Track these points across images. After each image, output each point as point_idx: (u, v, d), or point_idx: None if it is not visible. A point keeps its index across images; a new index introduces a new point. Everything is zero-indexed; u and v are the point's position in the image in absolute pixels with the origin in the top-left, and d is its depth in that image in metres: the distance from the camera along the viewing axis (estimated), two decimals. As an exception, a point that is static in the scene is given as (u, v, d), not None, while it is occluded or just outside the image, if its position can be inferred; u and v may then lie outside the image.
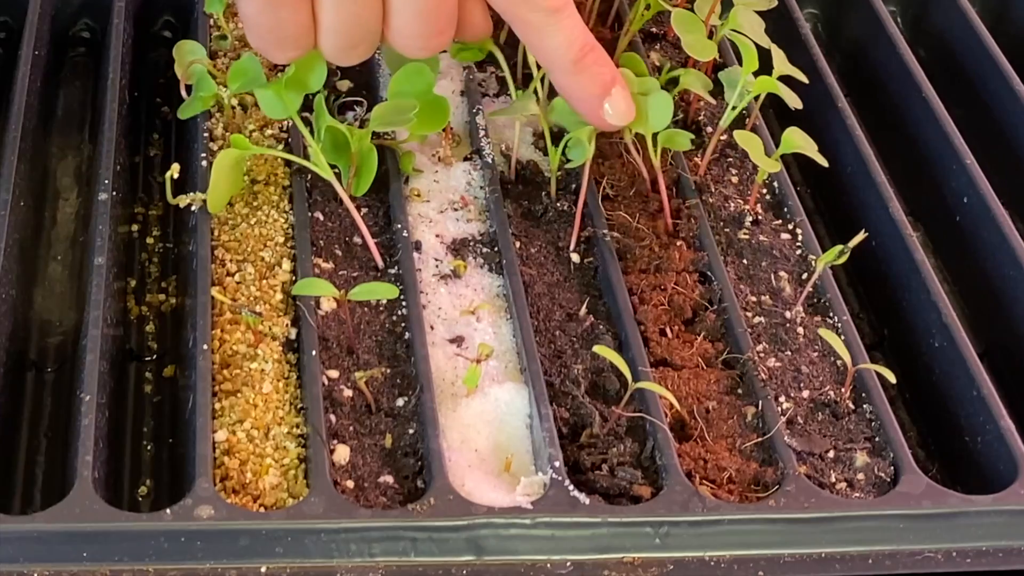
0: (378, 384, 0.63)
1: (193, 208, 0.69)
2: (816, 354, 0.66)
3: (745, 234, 0.72)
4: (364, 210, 0.71)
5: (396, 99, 0.69)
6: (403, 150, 0.74)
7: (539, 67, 0.70)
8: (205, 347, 0.62)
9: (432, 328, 0.66)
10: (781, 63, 0.73)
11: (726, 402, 0.64)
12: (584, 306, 0.68)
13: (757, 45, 0.72)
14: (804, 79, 0.75)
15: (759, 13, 0.76)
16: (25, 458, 0.64)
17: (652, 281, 0.69)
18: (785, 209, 0.74)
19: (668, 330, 0.67)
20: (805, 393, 0.64)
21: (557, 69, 0.67)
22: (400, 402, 0.63)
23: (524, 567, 0.56)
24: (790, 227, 0.73)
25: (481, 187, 0.73)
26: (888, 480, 0.61)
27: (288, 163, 0.73)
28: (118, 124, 0.73)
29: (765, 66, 0.73)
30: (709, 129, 0.77)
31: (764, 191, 0.75)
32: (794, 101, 0.73)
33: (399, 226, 0.69)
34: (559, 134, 0.71)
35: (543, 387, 0.62)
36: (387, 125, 0.69)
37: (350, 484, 0.59)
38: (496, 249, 0.70)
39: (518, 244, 0.70)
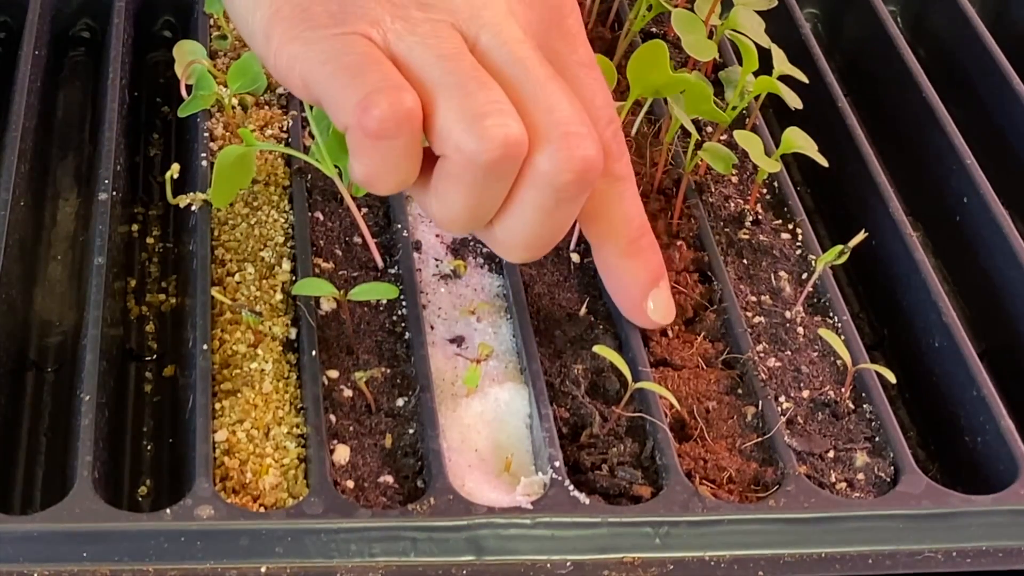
0: (378, 384, 0.63)
1: (193, 208, 0.69)
2: (816, 354, 0.66)
3: (745, 234, 0.72)
4: (364, 210, 0.71)
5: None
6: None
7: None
8: (205, 347, 0.62)
9: (432, 328, 0.66)
10: (781, 63, 0.73)
11: (726, 402, 0.64)
12: (584, 306, 0.67)
13: (757, 45, 0.72)
14: (804, 79, 0.75)
15: (759, 13, 0.76)
16: (25, 458, 0.64)
17: (652, 281, 0.69)
18: (785, 209, 0.74)
19: (668, 330, 0.67)
20: (805, 393, 0.64)
21: (610, 246, 0.61)
22: (400, 402, 0.63)
23: (524, 567, 0.56)
24: (790, 227, 0.73)
25: (481, 187, 0.73)
26: (888, 480, 0.61)
27: (288, 163, 0.73)
28: (118, 124, 0.73)
29: (765, 66, 0.73)
30: (709, 129, 0.77)
31: (764, 191, 0.75)
32: (794, 101, 0.73)
33: (399, 226, 0.69)
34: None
35: (543, 387, 0.62)
36: None
37: (350, 484, 0.59)
38: (496, 249, 0.70)
39: (518, 244, 0.70)
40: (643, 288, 0.62)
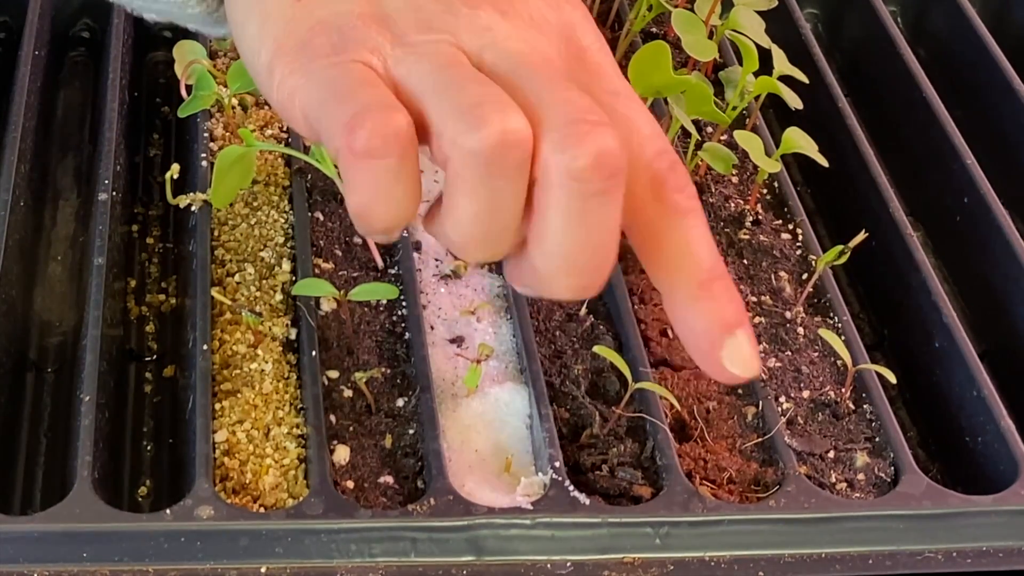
0: (378, 384, 0.63)
1: (193, 208, 0.69)
2: (816, 354, 0.66)
3: (745, 234, 0.72)
4: (364, 210, 0.71)
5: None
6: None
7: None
8: (205, 347, 0.62)
9: (432, 328, 0.66)
10: (781, 63, 0.73)
11: (726, 402, 0.64)
12: (584, 306, 0.67)
13: (757, 45, 0.72)
14: (804, 79, 0.75)
15: (759, 13, 0.76)
16: (25, 458, 0.64)
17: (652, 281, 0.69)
18: (785, 209, 0.74)
19: (668, 330, 0.67)
20: (805, 393, 0.64)
21: (677, 290, 0.53)
22: (400, 402, 0.63)
23: (524, 567, 0.56)
24: (790, 227, 0.73)
25: (481, 187, 0.73)
26: (888, 480, 0.61)
27: (288, 163, 0.73)
28: (118, 124, 0.73)
29: (765, 66, 0.73)
30: (709, 129, 0.77)
31: (764, 191, 0.75)
32: (794, 101, 0.73)
33: (399, 226, 0.69)
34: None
35: (543, 387, 0.62)
36: None
37: (350, 484, 0.59)
38: (496, 249, 0.70)
39: (518, 244, 0.70)
40: (716, 337, 0.52)
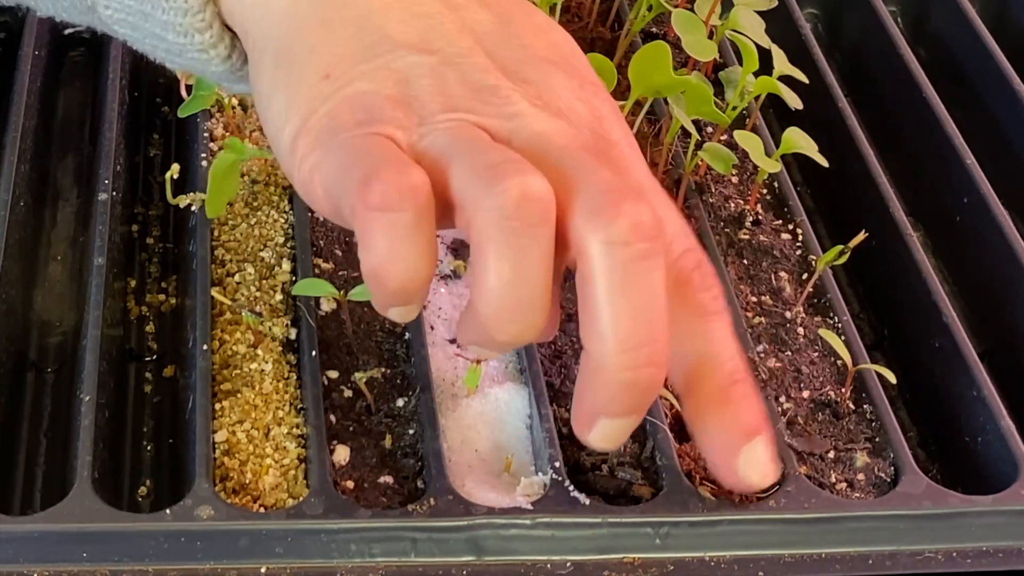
0: (378, 384, 0.63)
1: (193, 208, 0.69)
2: (816, 354, 0.66)
3: (745, 234, 0.72)
4: (364, 210, 0.71)
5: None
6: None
7: None
8: (205, 347, 0.62)
9: (432, 328, 0.66)
10: (781, 63, 0.73)
11: (726, 402, 0.64)
12: (584, 306, 0.67)
13: (757, 45, 0.72)
14: (804, 79, 0.75)
15: (759, 13, 0.76)
16: (25, 458, 0.64)
17: (652, 281, 0.69)
18: (785, 209, 0.74)
19: (668, 330, 0.67)
20: (805, 393, 0.64)
21: (697, 390, 0.52)
22: (400, 402, 0.63)
23: (524, 567, 0.56)
24: (790, 227, 0.73)
25: (481, 187, 0.73)
26: (888, 480, 0.61)
27: (288, 163, 0.73)
28: (118, 124, 0.73)
29: (765, 66, 0.73)
30: (709, 129, 0.77)
31: (764, 191, 0.75)
32: (794, 101, 0.73)
33: (399, 226, 0.69)
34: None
35: (543, 387, 0.62)
36: None
37: (350, 484, 0.59)
38: (496, 249, 0.70)
39: (518, 244, 0.70)
40: (733, 444, 0.52)
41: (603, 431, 0.50)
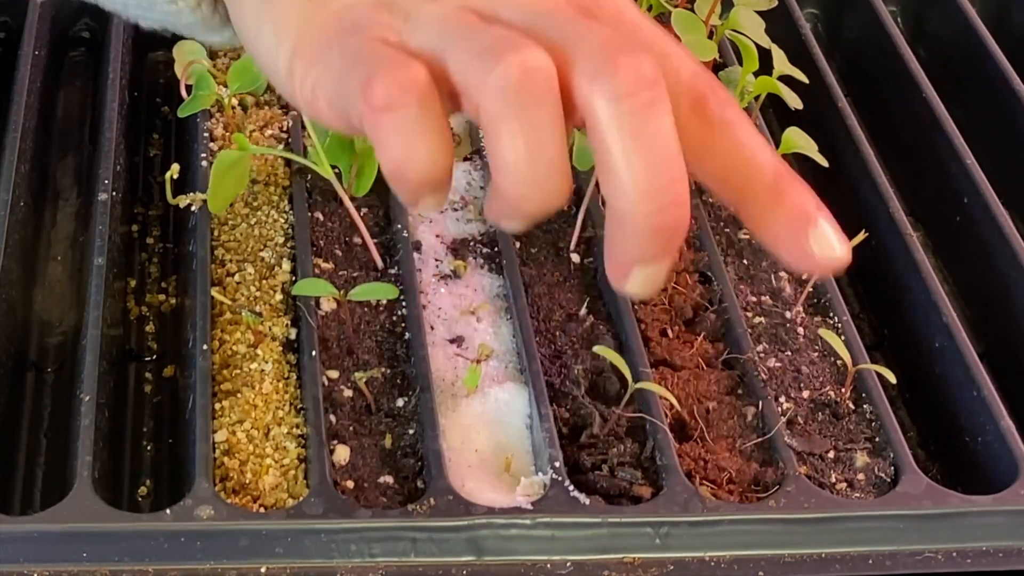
0: (378, 384, 0.63)
1: (193, 208, 0.69)
2: (816, 354, 0.66)
3: (745, 234, 0.72)
4: (364, 210, 0.71)
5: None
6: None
7: None
8: (205, 347, 0.62)
9: (432, 328, 0.66)
10: (781, 63, 0.73)
11: (726, 402, 0.64)
12: (584, 306, 0.67)
13: (757, 45, 0.72)
14: (804, 79, 0.75)
15: (759, 13, 0.76)
16: (25, 458, 0.64)
17: (652, 281, 0.69)
18: (785, 209, 0.73)
19: (668, 330, 0.67)
20: (805, 393, 0.64)
21: (749, 198, 0.53)
22: (400, 402, 0.63)
23: (524, 567, 0.56)
24: (790, 227, 0.73)
25: (481, 187, 0.73)
26: (888, 480, 0.61)
27: (288, 163, 0.73)
28: (118, 124, 0.73)
29: (765, 66, 0.73)
30: (709, 129, 0.77)
31: (764, 191, 0.75)
32: (794, 101, 0.73)
33: (399, 226, 0.69)
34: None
35: (543, 387, 0.62)
36: None
37: (350, 484, 0.59)
38: (496, 249, 0.70)
39: (518, 244, 0.70)
40: (800, 230, 0.53)
41: (639, 278, 0.51)
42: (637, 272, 0.50)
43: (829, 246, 0.53)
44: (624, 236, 0.50)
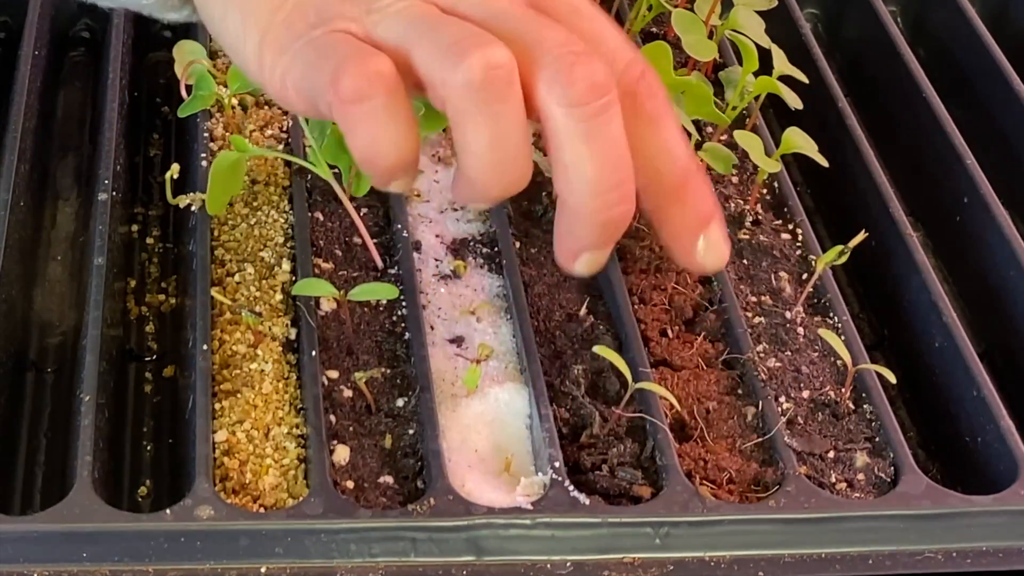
0: (378, 384, 0.63)
1: (193, 208, 0.69)
2: (816, 354, 0.66)
3: (745, 234, 0.72)
4: (364, 210, 0.71)
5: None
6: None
7: None
8: (205, 347, 0.62)
9: (432, 328, 0.66)
10: (781, 63, 0.73)
11: (726, 402, 0.64)
12: (584, 306, 0.67)
13: (757, 45, 0.72)
14: (804, 79, 0.75)
15: (759, 13, 0.76)
16: (25, 458, 0.64)
17: (652, 281, 0.69)
18: (785, 209, 0.74)
19: (668, 330, 0.67)
20: (805, 393, 0.64)
21: (653, 193, 0.56)
22: (400, 402, 0.63)
23: (524, 567, 0.56)
24: (790, 227, 0.73)
25: (481, 187, 0.73)
26: (888, 480, 0.61)
27: (288, 163, 0.73)
28: (118, 124, 0.73)
29: (765, 66, 0.73)
30: (709, 129, 0.77)
31: (764, 191, 0.75)
32: (794, 101, 0.73)
33: (399, 226, 0.69)
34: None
35: (543, 387, 0.62)
36: None
37: (350, 484, 0.59)
38: (496, 249, 0.70)
39: (518, 244, 0.70)
40: (692, 233, 0.57)
41: (586, 262, 0.55)
42: (585, 257, 0.55)
43: (713, 252, 0.57)
44: (575, 228, 0.54)
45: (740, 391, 0.65)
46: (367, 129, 0.52)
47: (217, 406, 0.61)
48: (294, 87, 0.54)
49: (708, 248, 0.57)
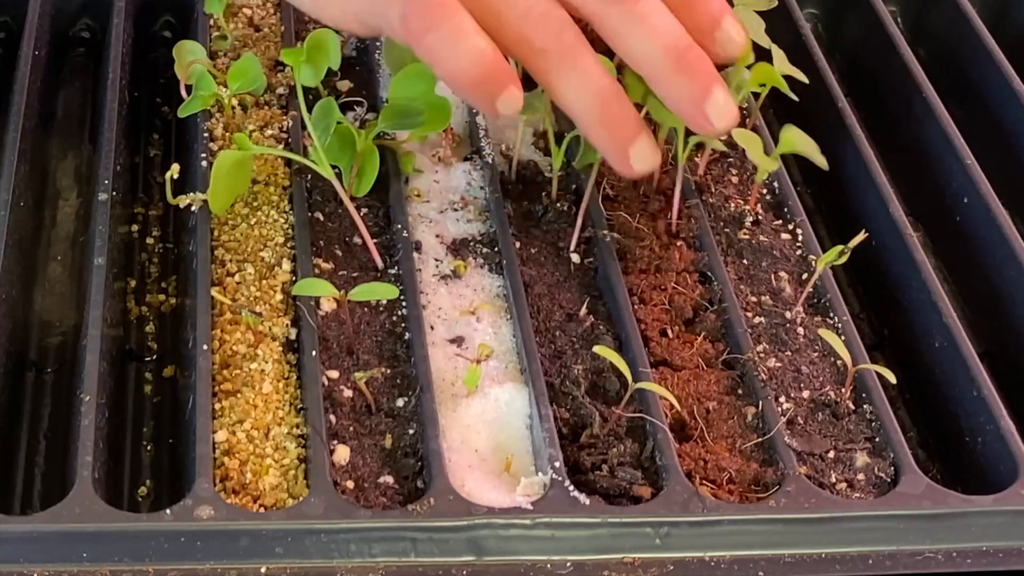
0: (378, 384, 0.63)
1: (193, 208, 0.69)
2: (816, 354, 0.66)
3: (745, 234, 0.72)
4: (364, 210, 0.71)
5: (399, 100, 0.69)
6: (404, 150, 0.74)
7: None
8: (205, 347, 0.62)
9: (432, 328, 0.66)
10: (781, 62, 0.73)
11: (726, 402, 0.64)
12: (584, 306, 0.67)
13: (757, 45, 0.72)
14: (804, 79, 0.75)
15: (759, 13, 0.76)
16: (25, 458, 0.64)
17: (652, 281, 0.69)
18: (785, 209, 0.74)
19: (668, 330, 0.67)
20: (805, 393, 0.64)
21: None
22: (400, 402, 0.63)
23: (524, 567, 0.56)
24: (790, 227, 0.73)
25: (481, 187, 0.73)
26: (888, 480, 0.61)
27: (288, 163, 0.73)
28: (118, 124, 0.73)
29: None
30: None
31: (764, 191, 0.75)
32: (790, 92, 0.73)
33: (399, 226, 0.69)
34: (561, 134, 0.71)
35: (543, 387, 0.62)
36: (397, 127, 0.69)
37: (350, 484, 0.59)
38: (496, 249, 0.70)
39: (518, 244, 0.70)
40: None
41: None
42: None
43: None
44: (669, 91, 0.62)
45: (740, 391, 0.65)
46: (443, 54, 0.58)
47: (217, 406, 0.61)
48: (357, 19, 0.61)
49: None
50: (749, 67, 0.71)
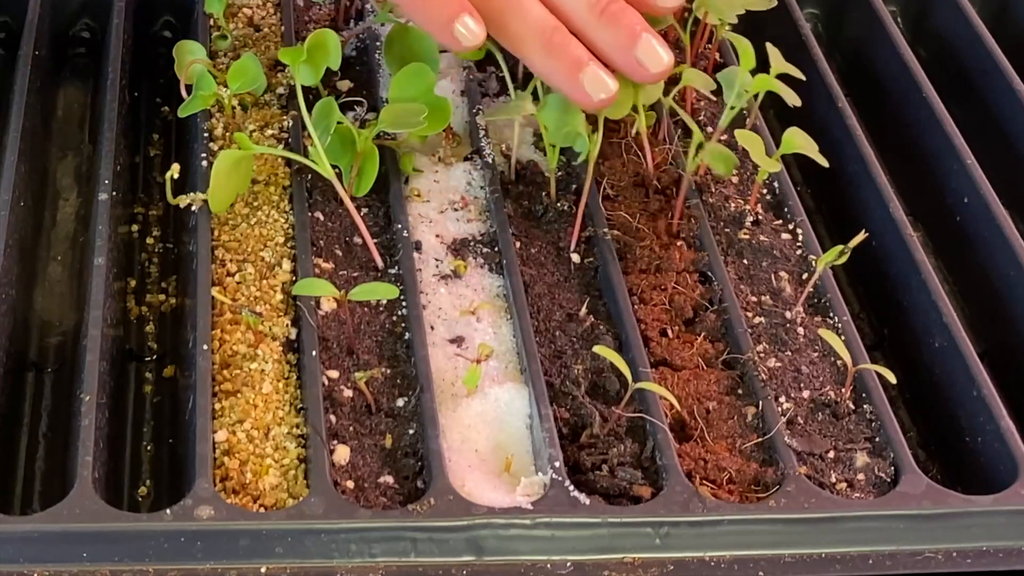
0: (378, 384, 0.63)
1: (193, 208, 0.69)
2: (816, 354, 0.66)
3: (745, 234, 0.72)
4: (364, 210, 0.71)
5: (399, 101, 0.69)
6: (403, 150, 0.74)
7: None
8: (205, 347, 0.62)
9: (432, 328, 0.66)
10: (777, 61, 0.73)
11: (726, 402, 0.64)
12: (584, 306, 0.67)
13: (759, 46, 0.72)
14: (801, 76, 0.75)
15: (759, 13, 0.76)
16: (25, 458, 0.64)
17: (652, 281, 0.69)
18: (785, 209, 0.74)
19: (668, 330, 0.67)
20: (805, 393, 0.64)
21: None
22: (400, 402, 0.63)
23: (524, 567, 0.56)
24: (790, 227, 0.73)
25: (481, 187, 0.73)
26: (888, 480, 0.61)
27: (288, 163, 0.73)
28: (118, 124, 0.73)
29: (764, 66, 0.72)
30: (709, 129, 0.77)
31: (764, 191, 0.75)
32: (792, 98, 0.73)
33: (399, 226, 0.69)
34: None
35: (543, 387, 0.62)
36: (397, 127, 0.69)
37: (350, 484, 0.59)
38: (496, 249, 0.70)
39: (518, 244, 0.70)
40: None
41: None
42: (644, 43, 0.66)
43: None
44: (597, 41, 0.66)
45: (740, 391, 0.65)
46: (463, 35, 0.66)
47: (217, 406, 0.61)
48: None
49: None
50: (753, 73, 0.71)
